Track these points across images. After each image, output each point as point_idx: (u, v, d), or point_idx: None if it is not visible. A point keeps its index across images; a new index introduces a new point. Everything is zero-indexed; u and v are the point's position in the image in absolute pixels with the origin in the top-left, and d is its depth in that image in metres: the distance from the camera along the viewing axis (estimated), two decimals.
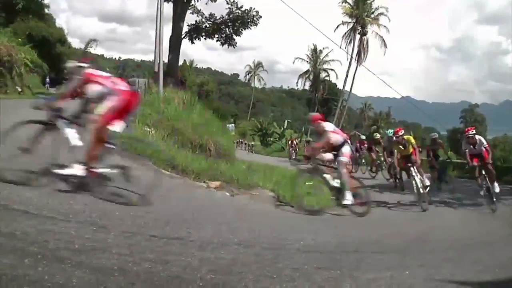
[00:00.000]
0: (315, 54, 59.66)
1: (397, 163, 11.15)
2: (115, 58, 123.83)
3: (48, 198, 4.22)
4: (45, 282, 2.38)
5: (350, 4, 47.04)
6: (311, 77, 59.87)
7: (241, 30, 27.02)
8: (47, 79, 33.78)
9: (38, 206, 3.87)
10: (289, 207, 7.40)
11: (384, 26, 47.30)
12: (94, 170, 4.79)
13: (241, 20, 26.54)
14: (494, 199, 9.19)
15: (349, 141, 7.97)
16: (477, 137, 9.73)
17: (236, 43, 27.60)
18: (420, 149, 11.61)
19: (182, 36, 25.63)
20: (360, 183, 7.93)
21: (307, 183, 7.75)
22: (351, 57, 45.80)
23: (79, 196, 4.66)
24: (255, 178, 8.58)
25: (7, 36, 24.22)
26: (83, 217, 3.87)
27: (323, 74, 60.05)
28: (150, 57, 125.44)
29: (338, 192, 7.49)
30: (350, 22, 47.71)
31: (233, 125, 44.57)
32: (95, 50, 54.13)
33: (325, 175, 7.56)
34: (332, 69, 59.13)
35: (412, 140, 10.12)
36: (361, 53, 47.26)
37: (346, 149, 7.64)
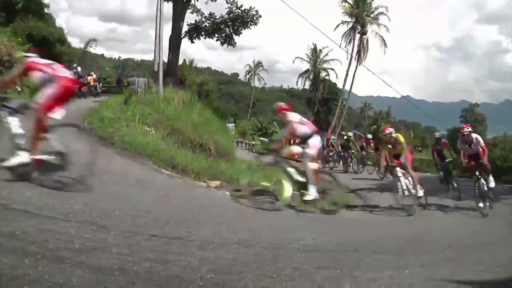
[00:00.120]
0: (315, 53, 59.61)
1: (383, 163, 9.99)
2: (115, 58, 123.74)
3: (48, 198, 4.22)
4: (45, 281, 2.38)
5: (350, 4, 47.06)
6: (311, 76, 59.82)
7: (241, 29, 27.03)
8: None
9: (38, 205, 3.87)
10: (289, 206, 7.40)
11: (384, 26, 47.36)
12: (37, 157, 4.75)
13: (241, 20, 26.55)
14: (488, 203, 8.71)
15: (319, 134, 7.54)
16: (474, 135, 9.17)
17: (235, 42, 27.63)
18: (421, 149, 11.27)
19: (182, 36, 25.64)
20: (332, 178, 7.65)
21: (265, 176, 7.51)
22: (351, 56, 45.84)
23: (79, 195, 4.66)
24: (255, 177, 8.57)
25: (7, 36, 24.17)
26: (83, 217, 3.87)
27: (323, 74, 59.99)
28: (150, 57, 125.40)
29: (303, 187, 7.03)
30: (350, 22, 47.75)
31: (233, 124, 44.51)
32: (95, 49, 54.11)
33: (288, 169, 7.11)
34: (332, 69, 59.10)
35: (402, 139, 9.44)
36: (361, 53, 47.29)
37: (314, 141, 7.20)
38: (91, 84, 25.74)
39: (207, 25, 26.93)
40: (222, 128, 15.18)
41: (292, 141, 8.95)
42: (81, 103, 17.72)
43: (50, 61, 5.19)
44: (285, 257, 3.90)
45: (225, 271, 3.19)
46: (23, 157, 4.68)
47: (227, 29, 27.06)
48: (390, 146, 9.50)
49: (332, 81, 61.11)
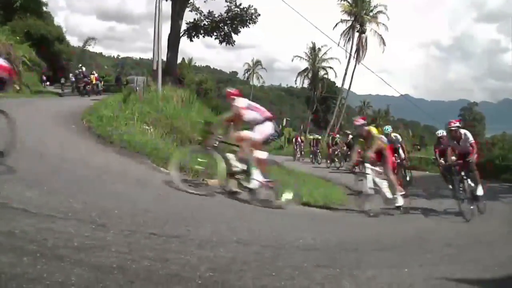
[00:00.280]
0: (313, 52, 59.56)
1: (354, 158, 9.04)
2: (114, 56, 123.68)
3: (47, 197, 4.21)
4: (44, 280, 2.37)
5: (348, 2, 47.06)
6: (310, 75, 59.77)
7: (240, 28, 27.02)
8: (43, 77, 33.75)
9: (37, 204, 3.86)
10: (289, 205, 7.39)
11: (383, 24, 47.38)
12: None
13: (240, 18, 26.55)
14: (474, 207, 8.04)
15: (271, 120, 7.11)
16: (462, 131, 8.45)
17: (234, 41, 27.65)
18: (419, 148, 10.83)
19: (181, 34, 25.61)
20: (275, 163, 7.39)
21: (199, 160, 7.13)
22: (350, 55, 45.84)
23: (78, 194, 4.65)
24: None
25: (5, 34, 24.13)
26: (82, 216, 3.86)
27: (321, 72, 59.95)
28: (148, 55, 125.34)
29: (246, 175, 6.78)
30: (349, 20, 47.77)
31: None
32: (93, 48, 54.17)
33: (227, 155, 6.80)
34: (331, 67, 59.05)
35: (375, 132, 8.50)
36: (360, 51, 47.33)
37: (261, 127, 6.81)
38: (93, 82, 25.87)
39: (206, 23, 26.92)
40: None
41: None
42: (81, 101, 17.76)
43: None
44: (285, 256, 3.90)
45: (225, 270, 3.18)
46: None
47: (226, 27, 27.06)
48: (362, 140, 8.69)
49: (331, 79, 61.11)
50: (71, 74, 31.65)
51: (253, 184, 6.66)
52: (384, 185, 8.21)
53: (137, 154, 8.16)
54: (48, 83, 34.78)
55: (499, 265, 4.43)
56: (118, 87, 27.08)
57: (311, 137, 27.71)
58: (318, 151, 24.16)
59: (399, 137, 11.98)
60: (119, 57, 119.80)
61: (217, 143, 6.80)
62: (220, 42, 27.65)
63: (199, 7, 26.72)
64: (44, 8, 41.63)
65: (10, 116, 5.32)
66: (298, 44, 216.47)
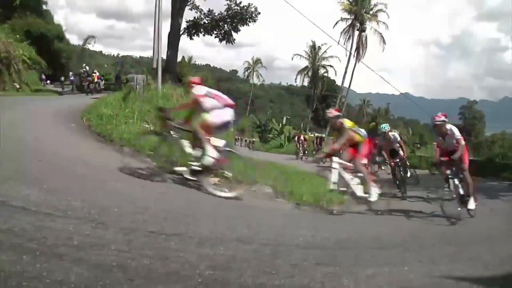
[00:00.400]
0: (314, 50, 59.58)
1: (327, 151, 8.52)
2: (114, 55, 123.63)
3: (47, 195, 4.21)
4: (44, 278, 2.37)
5: (349, 1, 47.03)
6: (309, 73, 59.82)
7: (240, 26, 27.00)
8: (43, 76, 33.77)
9: (37, 202, 3.86)
10: (288, 203, 7.39)
11: (383, 23, 47.34)
12: None
13: (240, 17, 26.54)
14: (459, 208, 7.42)
15: (232, 107, 6.97)
16: (449, 126, 7.82)
17: (234, 39, 27.63)
18: (419, 146, 10.08)
19: (181, 32, 25.59)
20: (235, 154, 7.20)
21: (154, 145, 7.08)
22: (350, 53, 45.81)
23: (78, 192, 4.65)
24: (254, 174, 8.56)
25: (5, 33, 24.14)
26: (82, 214, 3.86)
27: (321, 71, 60.00)
28: (148, 54, 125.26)
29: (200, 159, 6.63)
30: (349, 19, 47.72)
31: None
32: (93, 46, 54.19)
33: (181, 141, 6.70)
34: (331, 66, 59.12)
35: (348, 124, 8.00)
36: (359, 50, 47.27)
37: (219, 112, 6.70)
38: (95, 81, 26.07)
39: (206, 22, 26.91)
40: None
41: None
42: (80, 100, 17.75)
43: None
44: (284, 254, 3.90)
45: (224, 268, 3.19)
46: None
47: (226, 26, 27.05)
48: (337, 132, 8.26)
49: (331, 78, 61.25)
50: (70, 73, 31.67)
51: (207, 160, 6.50)
52: (353, 181, 7.68)
53: (137, 152, 8.15)
54: (48, 81, 34.83)
55: (499, 263, 4.43)
56: (118, 86, 27.12)
57: (312, 135, 27.42)
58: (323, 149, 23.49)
59: (397, 135, 11.55)
60: (119, 56, 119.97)
61: (173, 129, 6.73)
62: (220, 41, 27.67)
63: (199, 5, 26.76)
64: (44, 7, 41.72)
65: None
66: (298, 42, 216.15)
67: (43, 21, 38.69)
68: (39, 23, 36.95)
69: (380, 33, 47.33)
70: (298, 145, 26.75)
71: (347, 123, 8.02)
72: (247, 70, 76.69)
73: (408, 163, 11.48)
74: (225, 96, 7.03)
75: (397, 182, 10.87)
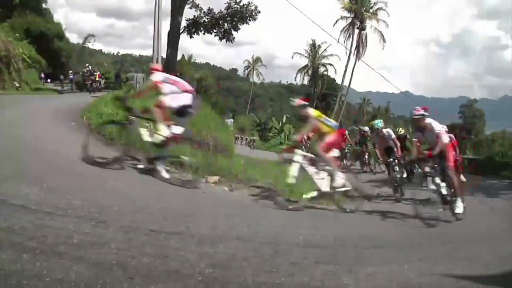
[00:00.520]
0: (313, 49, 59.55)
1: (291, 143, 8.01)
2: (113, 53, 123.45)
3: (46, 193, 4.21)
4: (44, 277, 2.37)
5: None
6: (309, 72, 59.80)
7: (240, 25, 26.97)
8: (42, 74, 33.74)
9: (37, 201, 3.86)
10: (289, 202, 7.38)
11: (383, 21, 47.32)
12: None
13: (240, 15, 26.49)
14: (441, 209, 6.89)
15: (191, 93, 6.98)
16: (428, 120, 7.33)
17: (234, 38, 27.58)
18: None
19: (181, 31, 25.56)
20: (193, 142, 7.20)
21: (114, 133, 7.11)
22: (350, 52, 45.82)
23: (78, 191, 4.65)
24: (254, 172, 8.56)
25: (5, 31, 24.12)
26: (82, 212, 3.86)
27: (321, 69, 59.98)
28: (148, 52, 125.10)
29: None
30: (349, 17, 47.72)
31: (232, 120, 44.53)
32: (93, 45, 54.14)
33: (139, 129, 6.73)
34: (331, 64, 59.08)
35: (313, 113, 7.41)
36: (359, 48, 47.28)
37: (177, 96, 6.73)
38: (97, 80, 26.23)
39: (206, 20, 26.85)
40: (221, 124, 15.16)
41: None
42: (80, 98, 17.73)
43: None
44: (284, 252, 3.90)
45: (224, 266, 3.19)
46: None
47: (225, 24, 26.99)
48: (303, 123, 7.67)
49: (331, 76, 61.19)
50: (70, 72, 31.62)
51: (156, 138, 6.61)
52: (318, 176, 7.08)
53: (137, 151, 8.14)
54: (49, 80, 34.80)
55: (499, 262, 4.43)
56: (117, 84, 27.17)
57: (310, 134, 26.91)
58: None
59: (391, 132, 10.89)
60: (119, 54, 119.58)
61: (133, 117, 6.79)
62: (220, 39, 27.62)
63: (198, 4, 26.68)
64: (44, 5, 41.62)
65: None
66: (298, 41, 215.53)
67: (43, 19, 38.61)
68: (39, 22, 36.88)
69: (380, 32, 47.40)
70: (301, 144, 25.87)
71: (313, 112, 7.48)
72: (247, 69, 76.62)
73: (402, 162, 10.35)
74: (184, 82, 7.13)
75: (395, 183, 9.82)
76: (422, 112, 7.37)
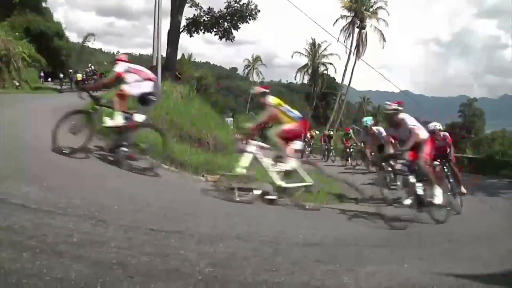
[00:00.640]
0: (313, 48, 59.53)
1: (247, 132, 7.40)
2: (113, 52, 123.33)
3: (46, 192, 4.21)
4: (44, 275, 2.37)
5: None
6: (309, 71, 59.78)
7: (240, 24, 26.94)
8: (42, 73, 33.75)
9: (36, 200, 3.86)
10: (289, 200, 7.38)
11: (383, 20, 47.31)
12: None
13: (240, 14, 26.45)
14: (415, 211, 6.39)
15: (152, 81, 7.24)
16: (402, 115, 6.83)
17: (234, 37, 27.54)
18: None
19: (181, 30, 25.54)
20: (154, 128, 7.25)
21: (73, 122, 6.98)
22: (350, 51, 45.80)
23: (77, 190, 4.65)
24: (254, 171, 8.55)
25: (4, 30, 24.10)
26: (82, 211, 3.86)
27: (321, 68, 59.95)
28: (148, 51, 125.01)
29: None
30: (349, 16, 47.70)
31: (232, 119, 44.46)
32: (93, 44, 54.11)
33: (103, 118, 6.91)
34: (330, 63, 59.04)
35: (272, 101, 7.05)
36: (359, 47, 47.30)
37: (138, 84, 6.93)
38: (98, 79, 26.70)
39: (206, 19, 26.81)
40: (221, 123, 15.14)
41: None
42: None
43: None
44: (284, 251, 3.90)
45: (224, 265, 3.19)
46: None
47: (225, 23, 26.95)
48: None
49: (331, 75, 61.12)
50: (70, 71, 31.66)
51: (107, 122, 6.83)
52: (273, 168, 6.71)
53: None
54: (49, 79, 34.81)
55: (499, 261, 4.43)
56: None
57: (316, 132, 26.44)
58: (332, 148, 22.16)
59: (382, 130, 10.19)
60: (119, 53, 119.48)
61: (98, 106, 6.99)
62: (220, 38, 27.59)
63: (198, 3, 26.62)
64: (43, 4, 41.58)
65: None
66: (298, 40, 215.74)
67: (43, 18, 38.58)
68: (39, 21, 36.85)
69: (380, 31, 47.37)
70: (304, 143, 24.68)
71: (273, 100, 7.09)
72: (247, 68, 76.56)
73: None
74: (146, 71, 7.32)
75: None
76: (395, 106, 6.95)
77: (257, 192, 6.67)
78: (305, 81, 61.93)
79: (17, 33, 27.23)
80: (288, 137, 6.95)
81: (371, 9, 47.35)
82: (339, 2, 47.21)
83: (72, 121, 6.72)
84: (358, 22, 47.12)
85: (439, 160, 8.20)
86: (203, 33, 27.36)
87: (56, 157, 6.40)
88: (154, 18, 16.13)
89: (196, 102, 14.40)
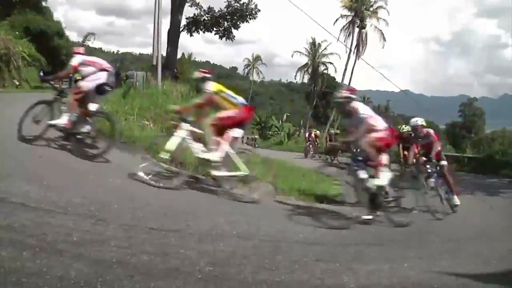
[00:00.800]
0: (313, 47, 59.42)
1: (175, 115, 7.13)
2: (113, 52, 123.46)
3: (46, 191, 4.21)
4: (44, 274, 2.37)
5: None
6: (309, 70, 59.65)
7: (240, 23, 26.95)
8: (41, 72, 33.75)
9: (37, 199, 3.86)
10: (289, 199, 7.38)
11: (383, 20, 47.23)
12: None
13: (240, 13, 26.46)
14: (368, 216, 5.95)
15: (107, 71, 7.18)
16: (354, 104, 6.20)
17: (234, 36, 27.57)
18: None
19: (181, 29, 25.54)
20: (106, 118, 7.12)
21: (36, 112, 7.05)
22: (350, 50, 45.69)
23: (77, 189, 4.65)
24: (254, 171, 8.54)
25: (4, 29, 24.07)
26: (82, 210, 3.86)
27: (321, 68, 59.85)
28: (148, 50, 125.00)
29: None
30: (349, 15, 47.62)
31: None
32: (93, 43, 54.02)
33: (62, 107, 6.94)
34: (331, 63, 58.91)
35: (215, 87, 6.57)
36: (360, 47, 47.19)
37: (92, 77, 6.98)
38: None
39: (206, 18, 26.83)
40: None
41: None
42: None
43: None
44: (284, 250, 3.91)
45: (224, 264, 3.19)
46: None
47: (225, 23, 26.97)
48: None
49: (331, 75, 61.03)
50: None
51: (56, 121, 6.82)
52: (204, 155, 6.37)
53: (136, 149, 8.15)
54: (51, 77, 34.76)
55: (499, 260, 4.44)
56: (118, 82, 27.17)
57: (318, 132, 26.13)
58: None
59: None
60: (119, 53, 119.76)
61: (58, 96, 7.08)
62: (220, 37, 27.60)
63: (199, 2, 26.64)
64: (43, 3, 41.51)
65: None
66: (298, 39, 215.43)
67: (43, 17, 38.51)
68: (39, 20, 36.78)
69: (380, 30, 47.27)
70: (308, 143, 23.85)
71: (212, 87, 6.58)
72: (247, 67, 76.51)
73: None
74: (101, 61, 7.46)
75: None
76: (347, 94, 6.38)
77: (183, 177, 6.40)
78: (305, 80, 61.81)
79: (17, 32, 27.16)
80: (226, 125, 6.46)
81: (371, 9, 47.25)
82: (339, 1, 47.11)
83: (36, 111, 6.91)
84: (358, 21, 47.02)
85: (424, 159, 7.85)
86: (203, 32, 27.40)
87: (57, 157, 6.41)
88: (154, 17, 16.14)
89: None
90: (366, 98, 75.29)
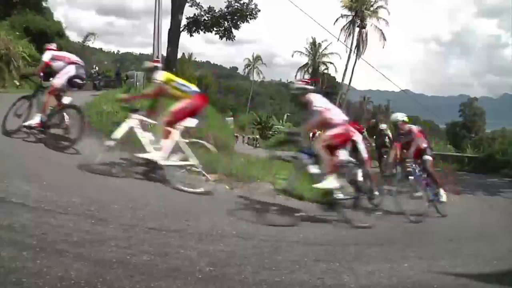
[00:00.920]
0: (314, 47, 59.50)
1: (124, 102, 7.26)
2: (114, 52, 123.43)
3: (46, 191, 4.21)
4: (44, 274, 2.37)
5: None
6: (310, 70, 59.73)
7: (240, 23, 26.95)
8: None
9: (37, 199, 3.86)
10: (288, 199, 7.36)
11: (384, 19, 47.23)
12: None
13: (240, 13, 26.45)
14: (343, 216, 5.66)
15: (76, 64, 7.46)
16: (309, 96, 5.75)
17: (234, 36, 27.55)
18: None
19: (181, 29, 25.53)
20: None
21: (18, 107, 7.40)
22: (350, 50, 45.69)
23: (77, 189, 4.65)
24: (254, 170, 8.54)
25: (4, 30, 24.06)
26: (82, 210, 3.87)
27: (322, 67, 59.94)
28: (148, 51, 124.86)
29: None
30: (349, 15, 47.63)
31: (232, 118, 44.51)
32: (93, 43, 53.99)
33: (41, 98, 7.30)
34: (331, 62, 59.03)
35: (164, 77, 6.55)
36: (360, 46, 47.18)
37: (62, 72, 7.28)
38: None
39: (206, 18, 26.82)
40: (221, 122, 15.13)
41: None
42: (79, 96, 17.71)
43: None
44: (284, 250, 3.90)
45: (224, 264, 3.19)
46: None
47: (226, 23, 26.96)
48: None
49: (331, 75, 61.11)
50: None
51: (35, 119, 7.06)
52: (151, 145, 6.36)
53: (137, 149, 8.14)
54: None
55: (499, 259, 4.43)
56: (118, 82, 27.22)
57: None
58: None
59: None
60: (119, 53, 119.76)
61: (38, 90, 7.49)
62: (220, 38, 27.59)
63: (199, 2, 26.62)
64: (44, 3, 41.50)
65: None
66: (298, 39, 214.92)
67: (43, 17, 38.49)
68: (39, 20, 36.73)
69: (381, 30, 47.28)
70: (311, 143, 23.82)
71: (161, 76, 6.53)
72: (247, 67, 76.49)
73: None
74: (69, 55, 7.74)
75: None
76: (302, 85, 5.97)
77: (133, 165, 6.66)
78: None
79: (17, 32, 27.16)
80: (180, 118, 6.33)
81: (371, 8, 47.26)
82: (340, 1, 47.14)
83: (18, 106, 7.30)
84: (358, 21, 47.02)
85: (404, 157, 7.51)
86: (204, 32, 27.38)
87: (57, 156, 6.41)
88: (154, 18, 16.14)
89: None
90: (366, 98, 75.44)
